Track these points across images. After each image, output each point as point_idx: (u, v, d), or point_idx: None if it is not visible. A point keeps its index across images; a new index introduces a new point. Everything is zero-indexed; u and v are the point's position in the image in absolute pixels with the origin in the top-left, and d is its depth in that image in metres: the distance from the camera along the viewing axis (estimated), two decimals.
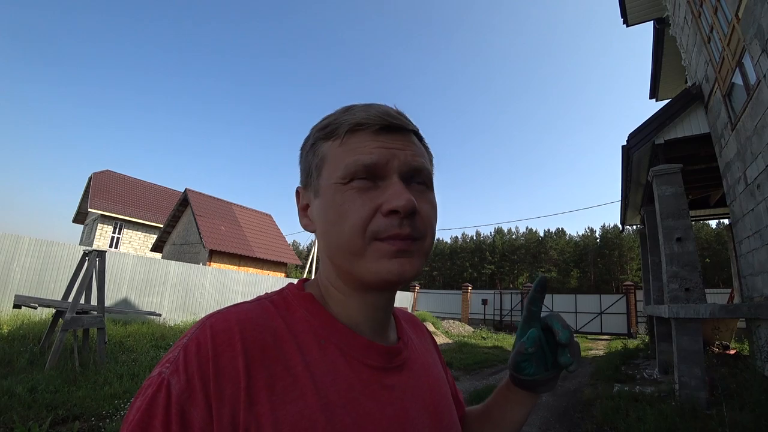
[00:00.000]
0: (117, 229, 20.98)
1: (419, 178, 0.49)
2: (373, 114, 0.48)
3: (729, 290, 11.79)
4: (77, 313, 5.58)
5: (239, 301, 0.49)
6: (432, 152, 0.57)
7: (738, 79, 4.82)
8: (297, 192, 0.56)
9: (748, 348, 6.10)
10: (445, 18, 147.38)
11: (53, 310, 6.50)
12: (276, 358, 0.42)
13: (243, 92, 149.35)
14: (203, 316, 0.45)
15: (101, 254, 6.02)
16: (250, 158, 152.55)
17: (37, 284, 8.60)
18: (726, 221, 12.20)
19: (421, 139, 0.54)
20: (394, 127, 0.49)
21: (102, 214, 19.99)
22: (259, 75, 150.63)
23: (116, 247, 20.70)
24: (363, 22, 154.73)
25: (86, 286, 5.84)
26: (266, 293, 0.52)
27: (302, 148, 0.54)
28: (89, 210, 19.83)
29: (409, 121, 0.52)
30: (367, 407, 0.44)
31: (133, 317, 9.71)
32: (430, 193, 0.51)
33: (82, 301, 5.82)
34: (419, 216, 0.47)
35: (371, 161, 0.46)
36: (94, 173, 21.72)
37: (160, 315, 8.13)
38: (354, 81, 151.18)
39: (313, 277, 0.58)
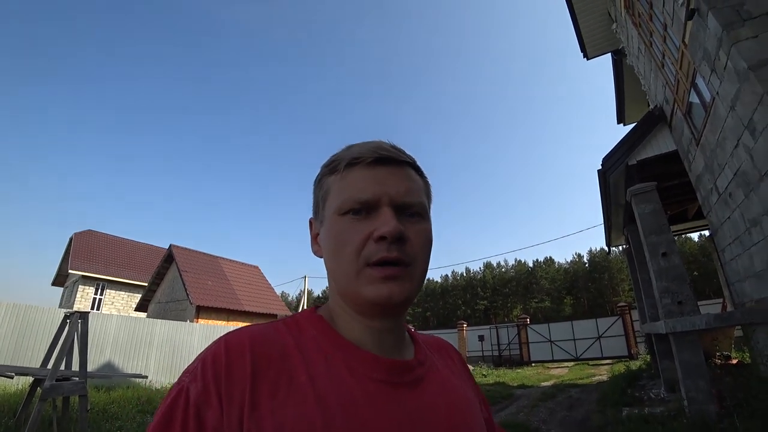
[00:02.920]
0: (99, 290, 20.22)
1: (411, 210, 0.54)
2: (368, 148, 0.54)
3: (720, 300, 11.90)
4: (57, 380, 5.25)
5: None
6: (430, 182, 0.63)
7: (695, 98, 5.15)
8: (310, 222, 0.62)
9: (749, 355, 6.07)
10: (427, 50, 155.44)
11: (31, 379, 6.09)
12: (281, 370, 0.46)
13: (230, 145, 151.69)
14: None
15: (84, 316, 5.77)
16: (236, 211, 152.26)
17: (14, 352, 8.12)
18: (706, 233, 12.53)
19: (417, 170, 0.59)
20: (387, 159, 0.54)
21: (83, 275, 19.34)
22: (255, 127, 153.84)
23: (98, 309, 19.82)
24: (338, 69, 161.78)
25: (67, 351, 5.54)
26: (280, 317, 0.55)
27: (314, 183, 0.61)
28: (70, 271, 19.19)
29: (404, 153, 0.57)
30: (366, 415, 0.45)
31: (118, 382, 9.16)
32: (423, 223, 0.55)
33: (63, 367, 5.49)
34: (409, 243, 0.51)
35: (365, 198, 0.51)
36: (76, 233, 21.26)
37: (146, 377, 7.67)
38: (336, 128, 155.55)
39: None
